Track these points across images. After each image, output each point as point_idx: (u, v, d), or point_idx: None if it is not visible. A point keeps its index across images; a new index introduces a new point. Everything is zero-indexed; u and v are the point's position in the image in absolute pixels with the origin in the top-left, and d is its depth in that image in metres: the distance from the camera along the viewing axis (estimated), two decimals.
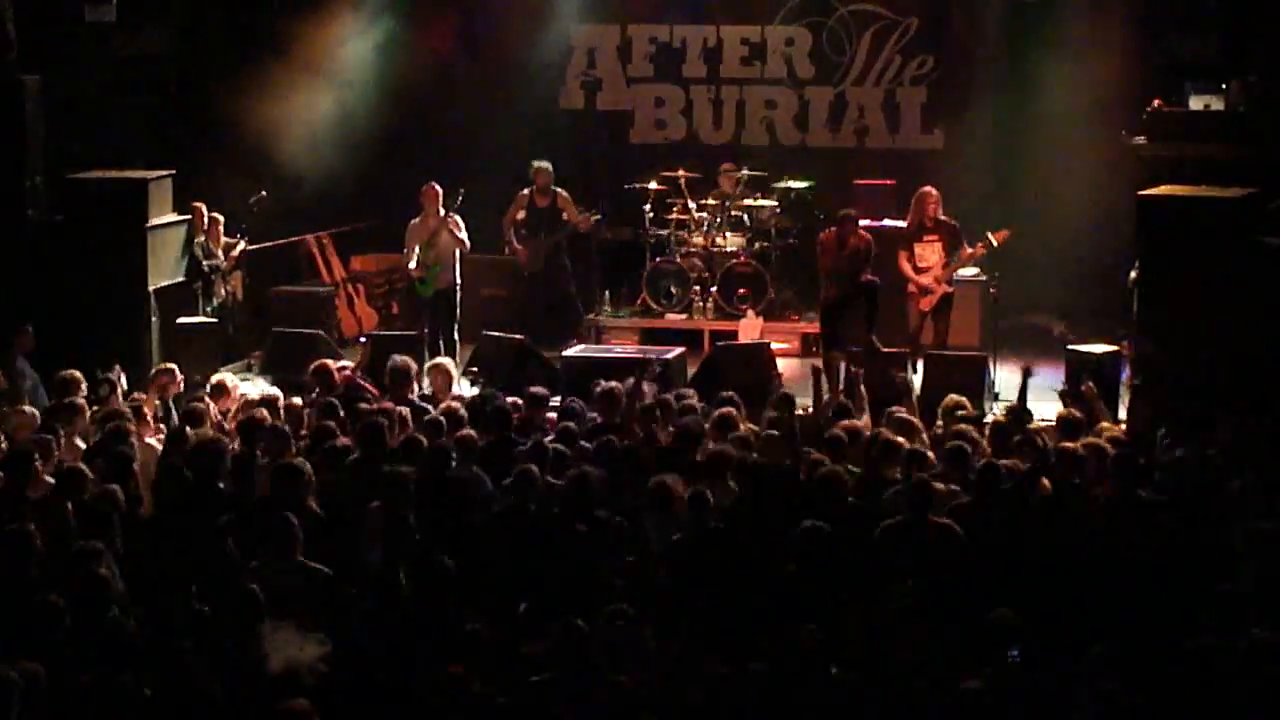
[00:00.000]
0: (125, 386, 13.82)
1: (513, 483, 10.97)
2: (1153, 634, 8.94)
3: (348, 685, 8.40)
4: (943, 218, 17.27)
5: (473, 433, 12.08)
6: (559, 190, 19.08)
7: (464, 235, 17.80)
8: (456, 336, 17.70)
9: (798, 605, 9.41)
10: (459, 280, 17.87)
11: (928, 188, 17.44)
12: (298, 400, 13.64)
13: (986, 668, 8.45)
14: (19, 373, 14.41)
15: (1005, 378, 16.14)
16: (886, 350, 16.30)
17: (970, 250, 17.15)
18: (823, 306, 17.16)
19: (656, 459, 11.66)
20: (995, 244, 17.01)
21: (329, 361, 14.61)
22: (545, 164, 19.12)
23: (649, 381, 13.65)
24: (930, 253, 17.19)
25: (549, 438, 12.37)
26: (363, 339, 17.71)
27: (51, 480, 11.19)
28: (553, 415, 13.50)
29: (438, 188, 17.80)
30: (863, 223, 18.19)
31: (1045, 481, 11.02)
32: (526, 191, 19.02)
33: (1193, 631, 8.85)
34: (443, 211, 17.75)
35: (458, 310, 17.85)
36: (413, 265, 17.77)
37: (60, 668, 8.26)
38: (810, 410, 13.46)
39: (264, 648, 8.56)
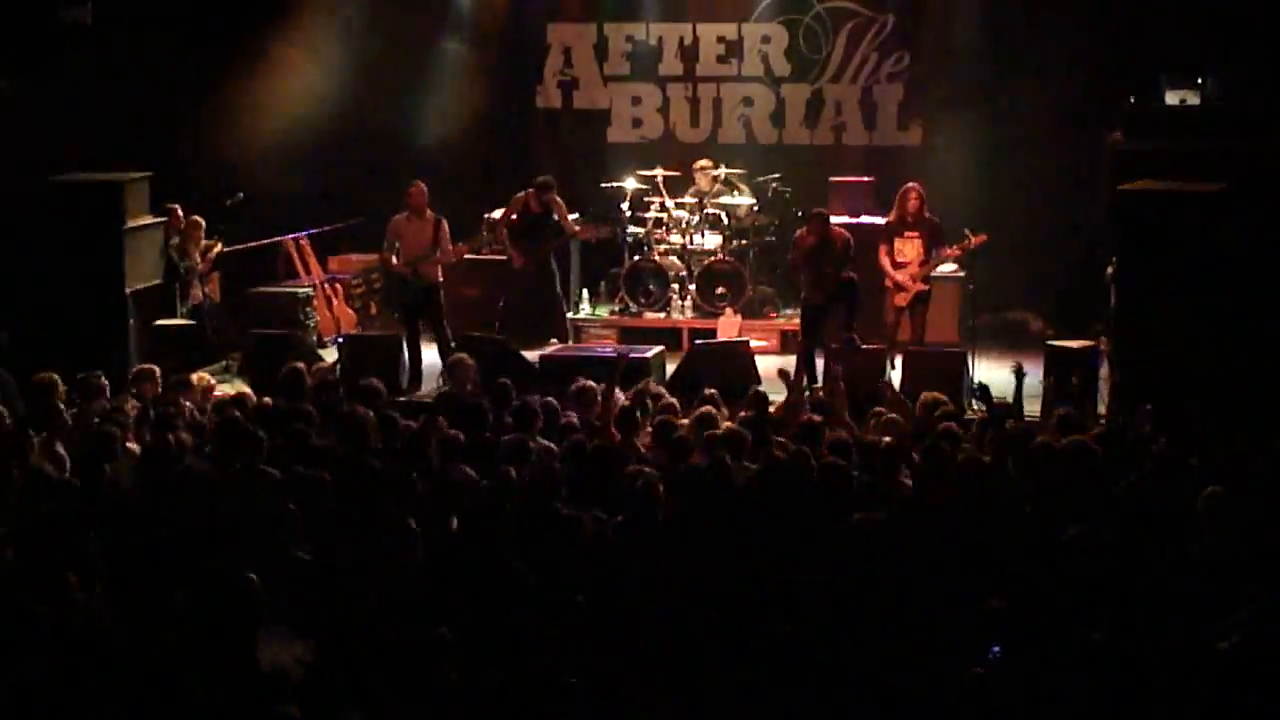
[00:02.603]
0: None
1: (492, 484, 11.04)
2: (1131, 630, 8.93)
3: (333, 684, 8.37)
4: (926, 215, 17.31)
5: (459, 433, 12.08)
6: (555, 198, 19.09)
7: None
8: (449, 331, 17.56)
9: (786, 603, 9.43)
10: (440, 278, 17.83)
11: (912, 184, 17.48)
12: (270, 401, 13.61)
13: (971, 662, 8.45)
14: None
15: (984, 375, 16.17)
16: (865, 346, 16.33)
17: (948, 250, 17.19)
18: (803, 304, 17.18)
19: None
20: (973, 245, 17.05)
21: (301, 365, 14.57)
22: (548, 178, 19.08)
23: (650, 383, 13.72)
24: (910, 249, 17.25)
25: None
26: (340, 340, 17.68)
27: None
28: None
29: (424, 186, 17.73)
30: (840, 219, 18.24)
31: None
32: (522, 194, 19.00)
33: (1169, 628, 8.87)
34: (429, 212, 17.67)
35: (443, 306, 17.79)
36: (395, 261, 17.66)
37: (43, 673, 8.22)
38: (785, 403, 13.51)
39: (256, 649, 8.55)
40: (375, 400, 13.39)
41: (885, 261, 17.29)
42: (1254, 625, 8.69)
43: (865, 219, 18.54)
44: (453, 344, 16.94)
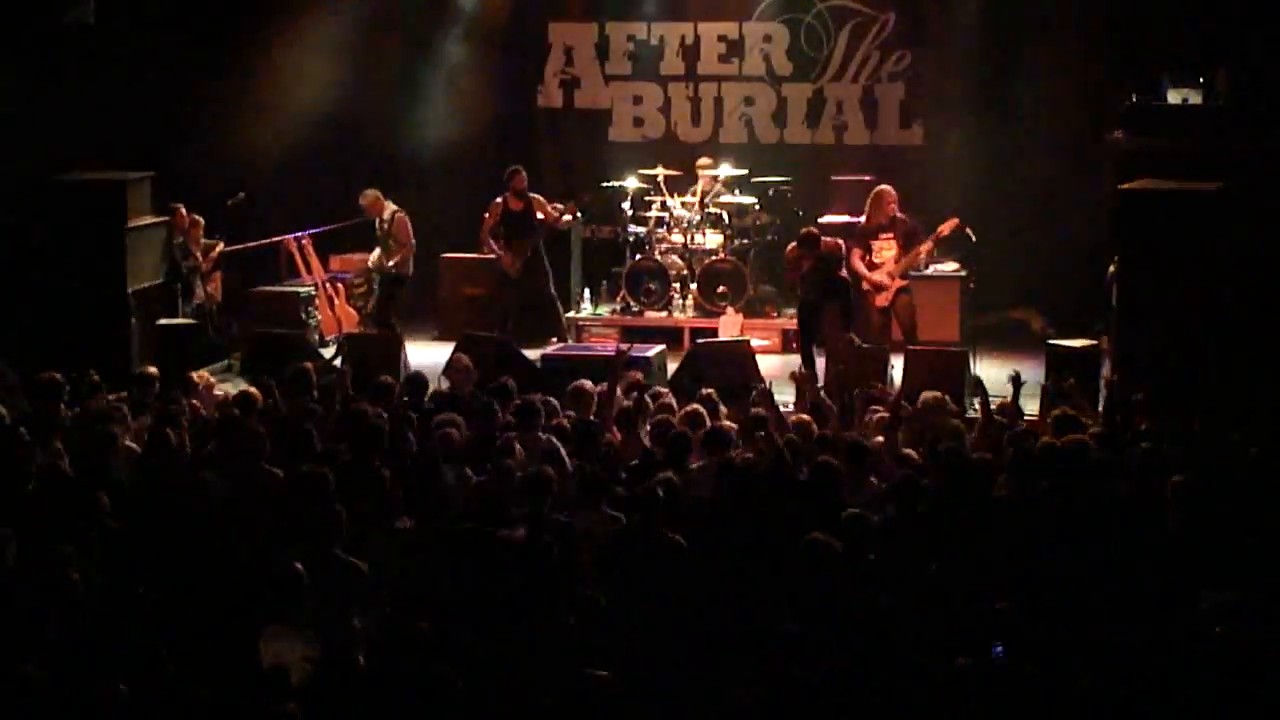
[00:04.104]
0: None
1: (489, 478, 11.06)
2: (1128, 628, 8.95)
3: (335, 684, 8.37)
4: (900, 216, 17.30)
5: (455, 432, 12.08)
6: (533, 195, 19.09)
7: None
8: (391, 323, 18.45)
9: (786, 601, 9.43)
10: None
11: (885, 186, 17.53)
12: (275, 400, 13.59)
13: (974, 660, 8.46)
14: None
15: (986, 374, 16.17)
16: (865, 347, 16.32)
17: (923, 245, 17.17)
18: (800, 302, 17.23)
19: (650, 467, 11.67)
20: (945, 233, 17.08)
21: (308, 364, 14.58)
22: (518, 166, 19.15)
23: (635, 373, 13.72)
24: (886, 249, 17.26)
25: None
26: (340, 340, 17.73)
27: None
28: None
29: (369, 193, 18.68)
30: (841, 219, 18.34)
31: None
32: (500, 199, 19.03)
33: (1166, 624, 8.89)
34: (388, 212, 18.57)
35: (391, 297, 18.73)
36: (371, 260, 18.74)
37: (44, 670, 8.23)
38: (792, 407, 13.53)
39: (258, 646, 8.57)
40: (384, 399, 13.41)
41: (859, 265, 17.26)
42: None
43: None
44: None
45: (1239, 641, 8.50)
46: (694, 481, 11.21)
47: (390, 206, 18.57)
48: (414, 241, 18.61)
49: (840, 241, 17.04)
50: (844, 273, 16.82)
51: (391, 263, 18.56)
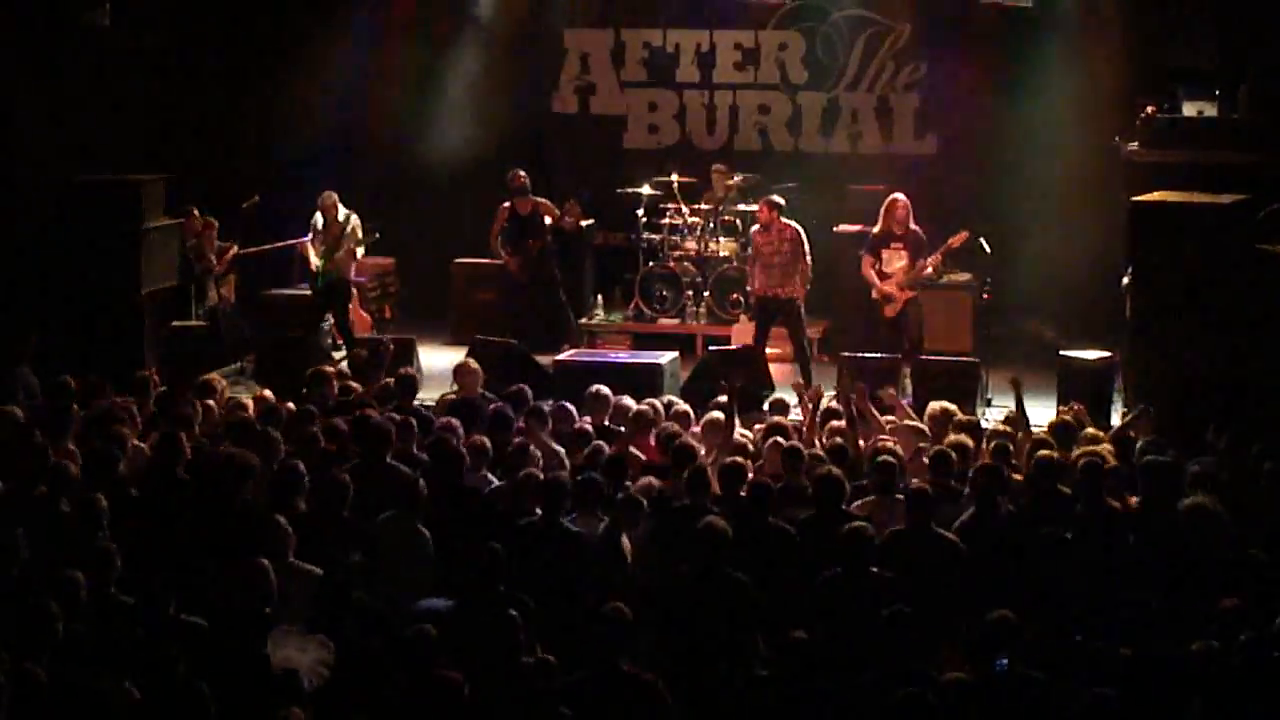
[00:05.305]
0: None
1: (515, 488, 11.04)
2: (1140, 640, 8.93)
3: (346, 690, 8.37)
4: (912, 227, 17.20)
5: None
6: (539, 199, 19.06)
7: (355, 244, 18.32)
8: (352, 331, 18.19)
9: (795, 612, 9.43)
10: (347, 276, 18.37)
11: (897, 194, 17.34)
12: (290, 404, 13.61)
13: (977, 671, 8.45)
14: (21, 378, 14.36)
15: (999, 384, 16.16)
16: (875, 357, 16.28)
17: (932, 256, 17.11)
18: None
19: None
20: (954, 246, 17.02)
21: (327, 367, 14.60)
22: (515, 169, 19.12)
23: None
24: (896, 259, 17.13)
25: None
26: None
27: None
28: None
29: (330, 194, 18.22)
30: (855, 228, 18.29)
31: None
32: (507, 204, 19.01)
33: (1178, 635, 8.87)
34: (343, 214, 18.13)
35: (348, 302, 18.39)
36: (317, 262, 18.18)
37: (51, 670, 8.23)
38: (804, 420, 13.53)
39: (266, 649, 8.56)
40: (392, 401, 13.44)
41: (870, 273, 17.14)
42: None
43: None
44: (354, 345, 17.13)
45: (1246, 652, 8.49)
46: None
47: (344, 210, 18.27)
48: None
49: (797, 229, 17.31)
50: (794, 287, 17.00)
51: (338, 255, 18.11)
